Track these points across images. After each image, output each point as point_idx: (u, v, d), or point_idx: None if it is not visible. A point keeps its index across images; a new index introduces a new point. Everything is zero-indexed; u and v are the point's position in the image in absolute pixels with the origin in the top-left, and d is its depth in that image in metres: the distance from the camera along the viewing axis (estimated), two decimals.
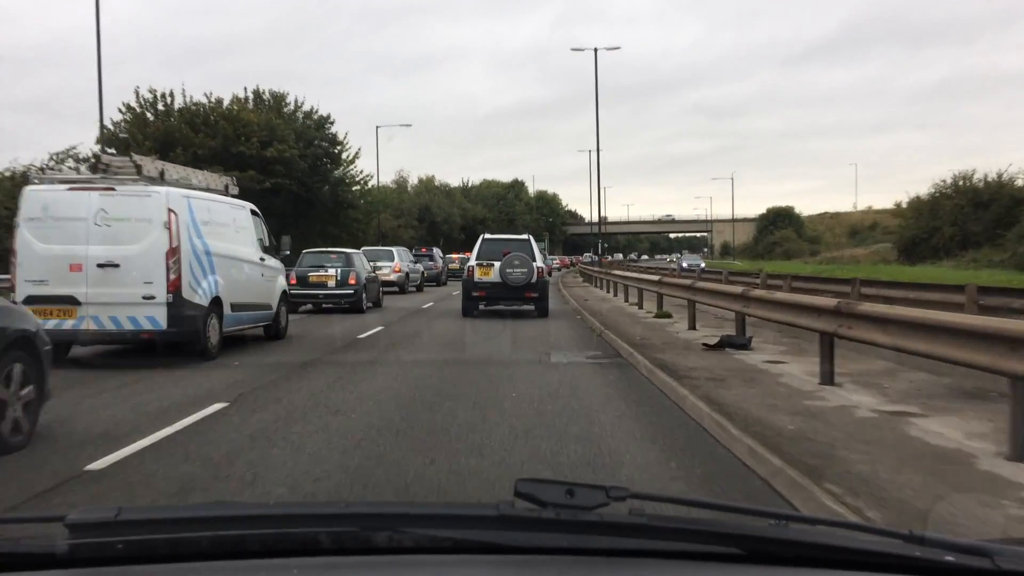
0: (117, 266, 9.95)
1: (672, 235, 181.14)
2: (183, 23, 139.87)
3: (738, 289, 11.55)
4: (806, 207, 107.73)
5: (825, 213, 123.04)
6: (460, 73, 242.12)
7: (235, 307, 11.41)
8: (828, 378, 7.86)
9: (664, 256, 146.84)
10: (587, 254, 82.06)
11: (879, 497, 4.21)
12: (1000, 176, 48.29)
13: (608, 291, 28.09)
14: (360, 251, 22.88)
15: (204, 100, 43.96)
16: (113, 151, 34.47)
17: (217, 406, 7.28)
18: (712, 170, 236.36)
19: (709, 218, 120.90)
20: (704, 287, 13.36)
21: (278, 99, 47.82)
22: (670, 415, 7.06)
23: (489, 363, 10.32)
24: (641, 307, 19.09)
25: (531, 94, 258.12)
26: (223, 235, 11.42)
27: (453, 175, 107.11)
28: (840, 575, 1.34)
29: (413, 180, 78.93)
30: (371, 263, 27.30)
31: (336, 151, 48.31)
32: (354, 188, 53.67)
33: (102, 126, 32.38)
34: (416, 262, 32.71)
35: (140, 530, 1.35)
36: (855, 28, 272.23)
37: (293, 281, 18.30)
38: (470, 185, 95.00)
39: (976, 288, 12.63)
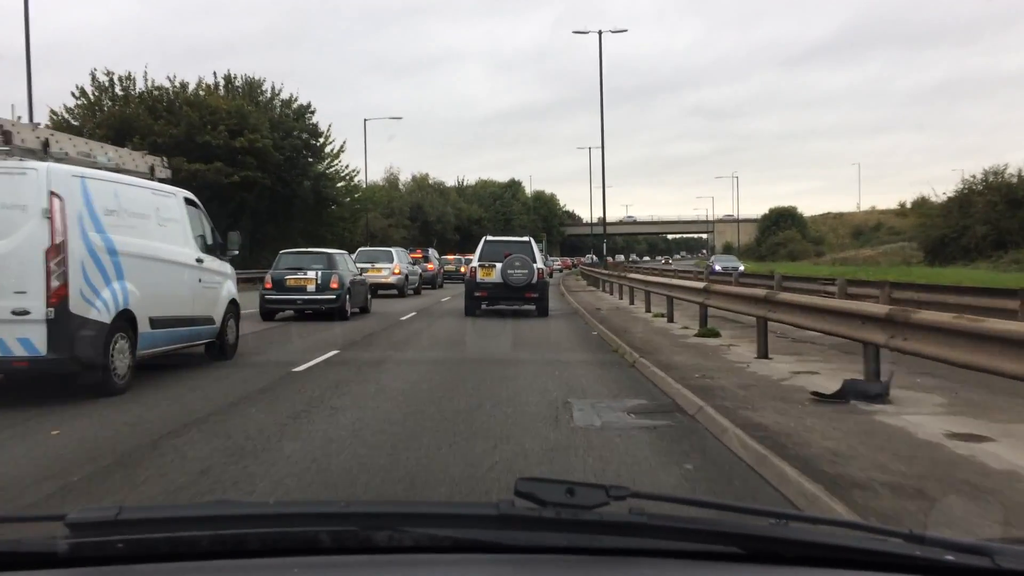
0: None
1: (670, 236, 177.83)
2: (183, 24, 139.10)
3: (876, 310, 7.25)
4: (805, 208, 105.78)
5: (828, 213, 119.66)
6: (459, 75, 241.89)
7: (157, 323, 8.94)
8: None
9: (661, 257, 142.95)
10: (589, 255, 77.93)
11: None
12: None
13: (621, 297, 24.85)
14: (344, 252, 20.77)
15: (168, 84, 39.27)
16: None
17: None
18: (710, 171, 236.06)
19: (711, 218, 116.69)
20: (788, 300, 9.08)
21: (252, 86, 43.25)
22: None
23: (475, 435, 6.27)
24: (671, 320, 15.65)
25: (530, 96, 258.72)
26: (139, 229, 8.94)
27: (451, 176, 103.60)
28: (840, 574, 1.31)
29: (405, 177, 74.27)
30: (368, 264, 25.85)
31: (317, 143, 43.61)
32: (339, 184, 49.10)
33: (31, 112, 27.99)
34: (413, 264, 30.54)
35: (140, 529, 1.34)
36: (855, 29, 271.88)
37: (268, 285, 17.35)
38: (465, 184, 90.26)
39: None
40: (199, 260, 10.24)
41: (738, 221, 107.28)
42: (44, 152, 8.22)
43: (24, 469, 5.18)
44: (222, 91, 41.68)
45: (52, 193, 7.60)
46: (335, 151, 48.93)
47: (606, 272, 32.43)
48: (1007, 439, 5.51)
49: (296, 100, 45.11)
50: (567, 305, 23.40)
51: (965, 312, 8.12)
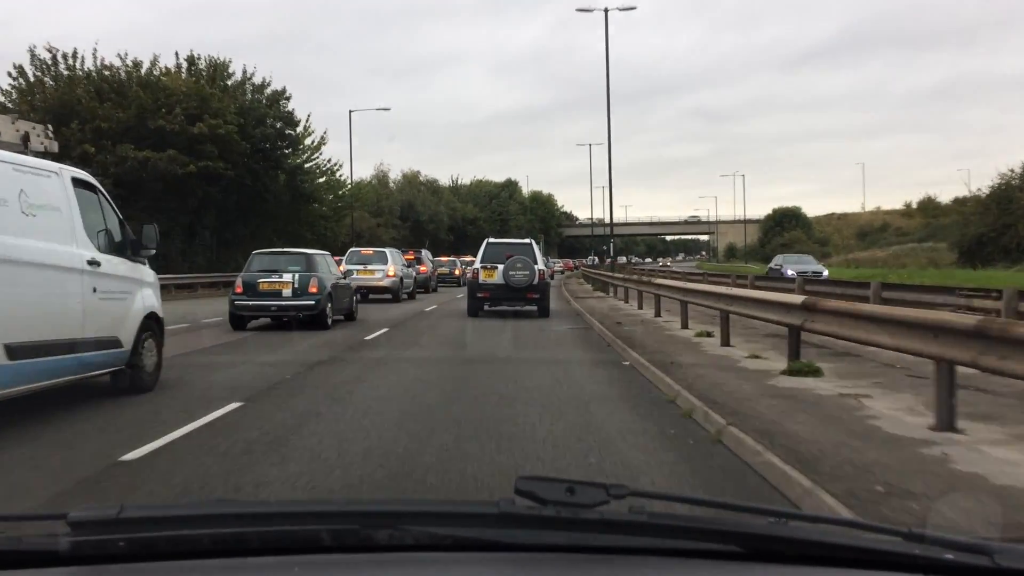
0: None
1: (668, 237, 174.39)
2: (182, 25, 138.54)
3: None
4: (805, 209, 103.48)
5: (832, 214, 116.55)
6: (459, 77, 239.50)
7: (19, 351, 6.33)
8: None
9: (661, 259, 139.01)
10: (590, 257, 74.02)
11: None
12: None
13: (642, 306, 20.66)
14: (325, 252, 18.61)
15: (118, 63, 34.49)
16: None
17: None
18: (708, 173, 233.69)
19: (714, 219, 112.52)
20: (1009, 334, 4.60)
21: (218, 68, 38.45)
22: None
23: None
24: (727, 343, 11.80)
25: (530, 98, 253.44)
26: None
27: (445, 176, 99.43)
28: (840, 573, 1.31)
29: (395, 175, 69.52)
30: (359, 266, 24.30)
31: (294, 133, 38.81)
32: (319, 180, 44.49)
33: None
34: (407, 266, 28.47)
35: (142, 528, 1.34)
36: (854, 32, 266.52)
37: (239, 289, 15.60)
38: (460, 183, 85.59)
39: None
40: (93, 263, 7.60)
41: (745, 222, 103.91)
42: None
43: None
44: (184, 75, 36.95)
45: None
46: (315, 143, 44.40)
47: (618, 276, 27.98)
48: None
49: (269, 85, 40.41)
50: (578, 318, 19.14)
51: None
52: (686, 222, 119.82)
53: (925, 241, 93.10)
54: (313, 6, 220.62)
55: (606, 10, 35.35)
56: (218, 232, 36.04)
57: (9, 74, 33.89)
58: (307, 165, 44.47)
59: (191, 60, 38.00)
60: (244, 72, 40.43)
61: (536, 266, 18.20)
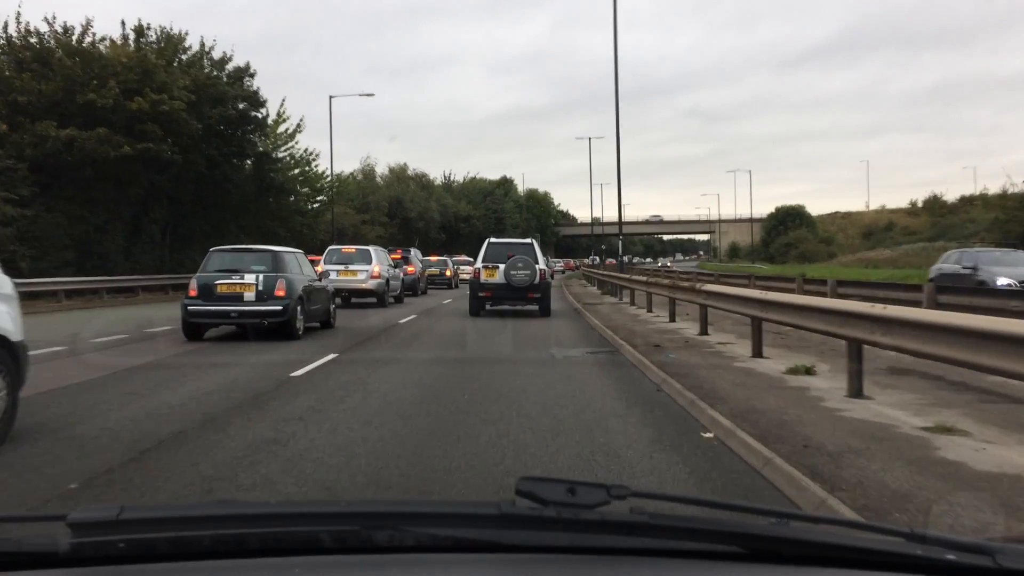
0: None
1: (666, 237, 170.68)
2: (180, 25, 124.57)
3: None
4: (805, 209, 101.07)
5: (836, 213, 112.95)
6: (457, 77, 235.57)
7: None
8: None
9: (662, 260, 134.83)
10: (592, 256, 70.30)
11: None
12: None
13: (674, 319, 16.43)
14: (298, 251, 15.93)
15: (46, 28, 29.34)
16: None
17: None
18: (705, 174, 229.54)
19: (715, 218, 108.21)
20: None
21: (171, 41, 33.22)
22: None
23: None
24: (811, 373, 8.71)
25: (527, 98, 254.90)
26: None
27: (440, 174, 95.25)
28: (841, 573, 1.30)
29: (382, 169, 64.34)
30: (340, 266, 22.38)
31: (260, 115, 33.77)
32: (294, 172, 39.56)
33: None
34: (395, 267, 25.85)
35: (142, 529, 1.33)
36: (853, 32, 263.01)
37: (193, 293, 13.37)
38: (452, 178, 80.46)
39: None
40: None
41: (752, 221, 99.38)
42: None
43: None
44: (132, 47, 31.84)
45: None
46: (290, 131, 39.57)
47: (638, 279, 23.12)
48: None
49: (231, 59, 35.25)
50: (593, 334, 14.92)
51: None
52: (686, 221, 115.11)
53: (935, 240, 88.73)
54: (311, 6, 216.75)
55: None
56: (172, 228, 31.21)
57: None
58: (281, 154, 39.60)
59: (139, 31, 32.77)
60: (202, 45, 35.13)
61: (537, 266, 18.22)
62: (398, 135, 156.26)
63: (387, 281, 23.25)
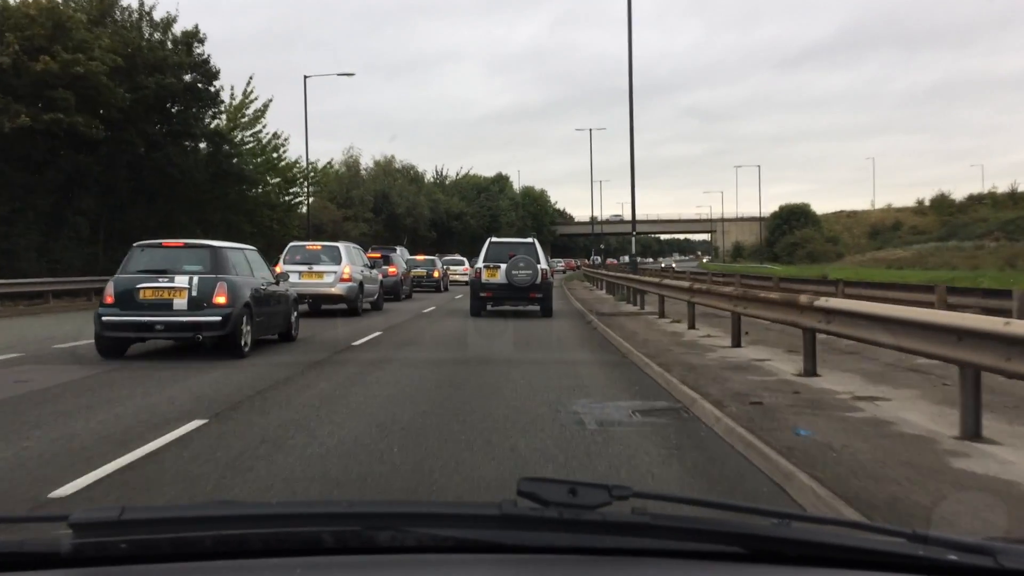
0: None
1: (663, 237, 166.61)
2: (176, 23, 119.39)
3: None
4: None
5: (841, 212, 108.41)
6: (455, 75, 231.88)
7: None
8: None
9: (663, 259, 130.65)
10: (593, 256, 66.34)
11: None
12: None
13: (737, 344, 11.99)
14: (249, 248, 12.97)
15: None
16: None
17: None
18: (702, 173, 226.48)
19: (717, 216, 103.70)
20: None
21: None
22: None
23: None
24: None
25: (526, 97, 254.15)
26: None
27: (432, 169, 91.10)
28: (843, 574, 1.30)
29: (367, 161, 58.92)
30: (304, 267, 18.80)
31: (213, 90, 28.43)
32: (258, 160, 34.39)
33: None
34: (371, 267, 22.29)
35: (143, 530, 1.33)
36: (852, 32, 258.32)
37: (110, 299, 10.87)
38: (445, 173, 75.18)
39: None
40: None
41: (761, 219, 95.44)
42: None
43: None
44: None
45: None
46: (257, 113, 34.46)
47: (674, 284, 17.98)
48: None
49: (175, 21, 29.74)
50: (630, 370, 10.38)
51: None
52: (687, 220, 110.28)
53: (946, 240, 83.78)
54: (307, 4, 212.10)
55: None
56: (107, 222, 26.11)
57: None
58: (247, 139, 34.50)
59: None
60: (140, 3, 29.62)
61: (539, 265, 18.11)
62: (394, 134, 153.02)
63: (360, 285, 19.50)
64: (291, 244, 20.44)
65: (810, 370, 8.41)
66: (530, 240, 19.85)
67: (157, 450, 5.55)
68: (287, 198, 38.26)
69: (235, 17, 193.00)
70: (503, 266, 17.95)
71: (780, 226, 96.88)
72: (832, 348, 10.31)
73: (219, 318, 10.59)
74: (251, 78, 36.39)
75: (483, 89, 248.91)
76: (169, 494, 4.52)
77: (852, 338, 7.60)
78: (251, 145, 34.97)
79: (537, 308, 18.32)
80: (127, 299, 10.66)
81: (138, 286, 10.67)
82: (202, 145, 29.72)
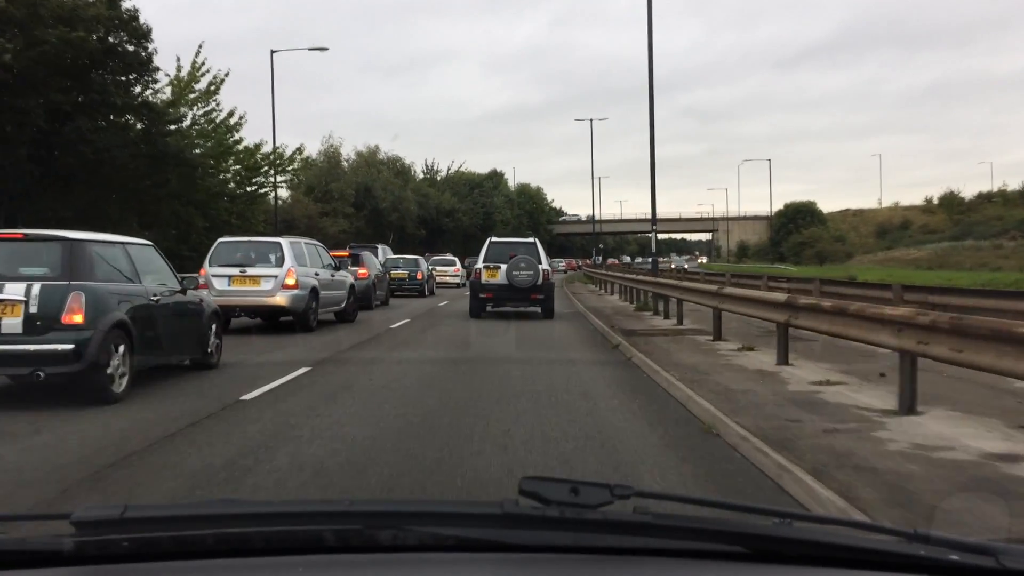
0: None
1: (661, 236, 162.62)
2: (172, 21, 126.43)
3: None
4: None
5: (847, 210, 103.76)
6: (453, 75, 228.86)
7: None
8: None
9: (672, 261, 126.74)
10: (594, 256, 62.44)
11: None
12: None
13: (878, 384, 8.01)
14: (142, 242, 9.61)
15: None
16: None
17: None
18: (700, 174, 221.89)
19: (723, 216, 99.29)
20: None
21: None
22: None
23: None
24: None
25: (523, 96, 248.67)
26: None
27: (422, 163, 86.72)
28: (844, 574, 1.29)
29: (348, 152, 53.34)
30: (235, 270, 14.63)
31: (144, 53, 23.17)
32: (207, 143, 29.15)
33: None
34: (336, 268, 17.38)
35: (145, 528, 1.32)
36: (851, 31, 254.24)
37: None
38: (436, 168, 69.88)
39: None
40: None
41: (771, 217, 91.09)
42: None
43: None
44: None
45: None
46: (211, 87, 29.28)
47: (749, 296, 12.83)
48: None
49: None
50: (731, 462, 5.59)
51: None
52: (687, 219, 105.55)
53: (961, 239, 78.68)
54: (305, 2, 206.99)
55: None
56: (5, 210, 20.86)
57: None
58: (198, 119, 29.33)
59: None
60: None
61: (540, 266, 17.62)
62: (390, 132, 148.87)
63: (313, 292, 15.18)
64: (220, 240, 15.64)
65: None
66: (531, 240, 19.39)
67: None
68: (250, 188, 33.10)
69: (231, 15, 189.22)
70: (503, 266, 17.53)
71: (785, 225, 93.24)
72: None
73: (71, 346, 7.28)
74: (200, 46, 30.85)
75: (481, 89, 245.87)
76: None
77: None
78: (204, 126, 29.83)
79: (538, 309, 17.99)
80: None
81: None
82: (140, 126, 24.49)
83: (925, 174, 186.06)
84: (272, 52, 33.28)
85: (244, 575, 1.28)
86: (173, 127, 26.69)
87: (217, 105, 30.32)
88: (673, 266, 61.70)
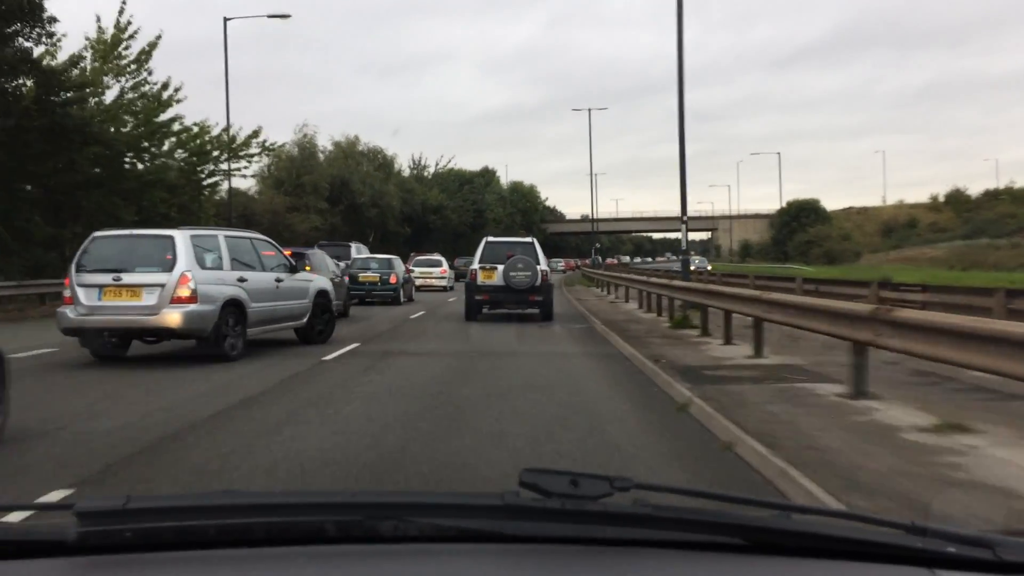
0: None
1: (655, 236, 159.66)
2: (165, 20, 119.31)
3: None
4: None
5: (851, 208, 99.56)
6: (448, 76, 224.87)
7: None
8: None
9: (693, 260, 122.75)
10: (593, 256, 58.73)
11: None
12: None
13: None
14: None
15: None
16: None
17: None
18: (694, 174, 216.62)
19: (724, 214, 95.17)
20: None
21: None
22: None
23: None
24: None
25: (519, 97, 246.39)
26: None
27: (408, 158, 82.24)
28: (842, 566, 1.29)
29: (325, 143, 47.61)
30: (108, 278, 10.71)
31: (39, 15, 17.86)
32: (132, 119, 23.93)
33: None
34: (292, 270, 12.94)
35: (148, 518, 1.32)
36: (847, 32, 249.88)
37: None
38: (423, 163, 64.35)
39: None
40: None
41: (772, 216, 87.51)
42: None
43: None
44: None
45: None
46: (141, 55, 24.03)
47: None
48: None
49: None
50: None
51: None
52: (689, 218, 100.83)
53: (973, 237, 74.06)
54: (300, 2, 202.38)
55: None
56: None
57: None
58: (126, 90, 24.08)
59: None
60: None
61: (538, 266, 16.89)
62: (386, 132, 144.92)
63: (229, 305, 10.96)
64: (95, 235, 11.12)
65: None
66: (529, 240, 18.66)
67: None
68: (197, 177, 27.82)
69: (227, 14, 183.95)
70: (500, 267, 16.91)
71: (788, 223, 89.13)
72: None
73: None
74: (124, 2, 25.23)
75: (476, 90, 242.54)
76: None
77: None
78: (133, 101, 24.65)
79: (536, 311, 17.42)
80: None
81: None
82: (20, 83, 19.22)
83: (918, 174, 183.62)
84: (225, 20, 28.48)
85: (246, 565, 1.29)
86: (73, 95, 21.24)
87: (149, 75, 25.23)
88: (694, 267, 55.89)
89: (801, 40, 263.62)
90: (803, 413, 6.71)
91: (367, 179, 47.07)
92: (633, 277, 23.64)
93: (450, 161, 70.21)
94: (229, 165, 28.71)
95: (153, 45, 26.36)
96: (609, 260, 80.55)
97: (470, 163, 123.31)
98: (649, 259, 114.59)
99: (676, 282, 15.75)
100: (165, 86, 26.63)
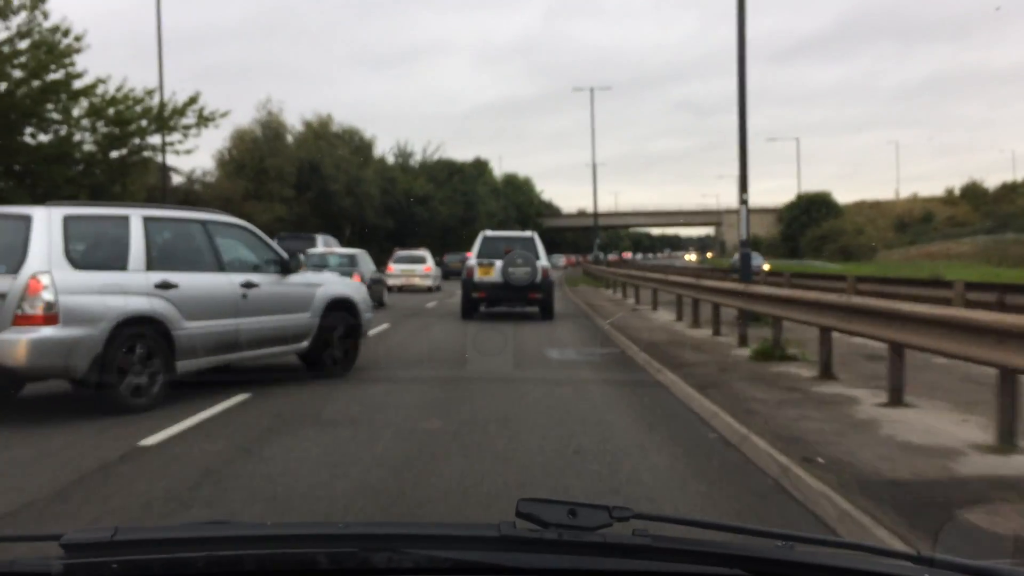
0: None
1: (655, 231, 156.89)
2: (153, 14, 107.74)
3: None
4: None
5: (863, 202, 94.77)
6: (444, 67, 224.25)
7: None
8: None
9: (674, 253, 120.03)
10: (595, 252, 53.94)
11: None
12: None
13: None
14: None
15: None
16: None
17: None
18: (694, 168, 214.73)
19: (723, 208, 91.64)
20: None
21: None
22: None
23: None
24: None
25: (515, 89, 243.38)
26: None
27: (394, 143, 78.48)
28: None
29: (294, 123, 41.67)
30: None
31: None
32: (22, 72, 18.75)
33: None
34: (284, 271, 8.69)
35: (136, 550, 1.30)
36: (848, 25, 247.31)
37: None
38: (408, 150, 58.99)
39: None
40: None
41: (780, 210, 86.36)
42: None
43: None
44: None
45: None
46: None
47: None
48: None
49: None
50: None
51: None
52: (689, 212, 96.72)
53: (997, 232, 68.33)
54: None
55: None
56: None
57: None
58: (15, 38, 18.86)
59: None
60: None
61: (539, 262, 16.19)
62: (382, 128, 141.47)
63: (116, 328, 6.62)
64: None
65: None
66: (529, 234, 17.69)
67: None
68: (120, 153, 22.46)
69: (216, 7, 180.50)
70: (498, 263, 16.08)
71: (798, 217, 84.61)
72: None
73: None
74: None
75: (472, 82, 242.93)
76: None
77: None
78: (21, 51, 19.48)
79: (536, 309, 16.69)
80: None
81: None
82: None
83: (923, 168, 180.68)
84: None
85: None
86: None
87: (45, 17, 19.39)
88: (759, 266, 47.29)
89: (802, 33, 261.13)
90: None
91: (341, 163, 41.07)
92: (670, 279, 18.04)
93: (438, 149, 65.03)
94: (163, 138, 23.24)
95: (69, 31, 20.96)
96: (612, 256, 76.25)
97: (464, 155, 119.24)
98: (651, 255, 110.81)
99: (752, 288, 10.59)
100: (64, 32, 19.60)
